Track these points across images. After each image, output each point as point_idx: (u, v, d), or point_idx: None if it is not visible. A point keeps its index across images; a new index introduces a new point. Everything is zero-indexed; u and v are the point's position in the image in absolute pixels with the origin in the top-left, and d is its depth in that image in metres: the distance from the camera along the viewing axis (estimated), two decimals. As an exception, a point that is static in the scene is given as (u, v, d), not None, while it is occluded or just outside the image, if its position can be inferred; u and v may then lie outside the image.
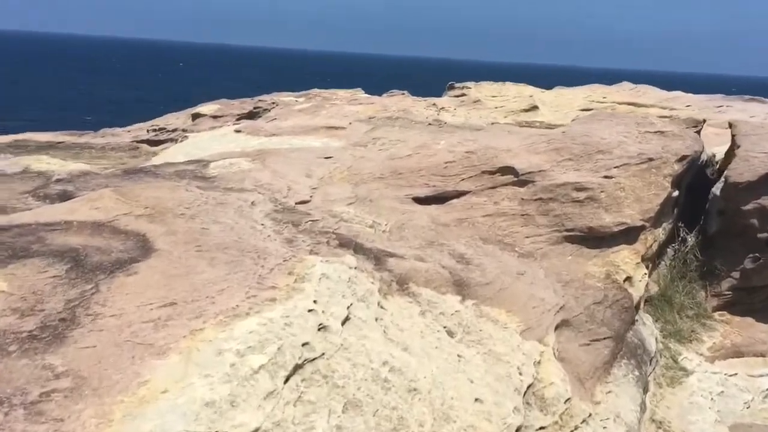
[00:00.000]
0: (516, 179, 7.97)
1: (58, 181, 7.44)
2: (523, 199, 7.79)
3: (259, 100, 14.55)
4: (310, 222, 6.78)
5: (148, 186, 6.82)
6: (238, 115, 13.99)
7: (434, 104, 13.32)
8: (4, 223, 5.66)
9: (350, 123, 10.98)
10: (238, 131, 11.16)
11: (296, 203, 7.57)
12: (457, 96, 15.61)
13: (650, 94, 19.12)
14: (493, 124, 13.50)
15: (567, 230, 7.41)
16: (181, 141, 11.58)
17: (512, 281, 6.15)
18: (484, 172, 8.22)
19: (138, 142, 15.39)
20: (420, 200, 8.12)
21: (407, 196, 8.09)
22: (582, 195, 7.51)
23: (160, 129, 14.83)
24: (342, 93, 17.43)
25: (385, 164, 8.70)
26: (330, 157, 9.15)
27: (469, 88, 17.71)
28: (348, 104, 12.87)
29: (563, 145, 8.19)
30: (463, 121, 13.08)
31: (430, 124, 11.77)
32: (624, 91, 19.89)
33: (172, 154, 10.60)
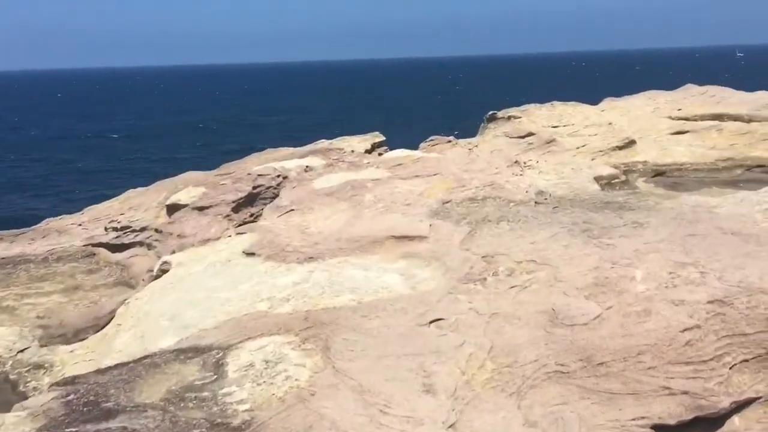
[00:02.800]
0: None
1: None
2: None
3: (259, 175, 10.40)
4: None
5: None
6: (234, 202, 9.83)
7: (515, 162, 9.30)
8: None
9: (429, 224, 6.92)
10: (250, 254, 7.01)
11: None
12: (520, 137, 11.62)
13: (732, 99, 15.38)
14: (602, 181, 9.57)
15: None
16: (162, 271, 7.39)
17: None
18: (773, 352, 4.24)
19: (94, 245, 11.17)
20: (668, 429, 4.13)
21: (640, 424, 4.08)
22: None
23: (123, 228, 10.60)
24: (359, 143, 13.34)
25: (556, 339, 4.67)
26: (438, 321, 5.09)
27: (518, 117, 13.73)
28: (396, 176, 8.78)
29: None
30: (564, 181, 9.12)
31: (536, 202, 7.78)
32: (694, 96, 16.14)
33: (150, 312, 6.39)
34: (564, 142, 11.44)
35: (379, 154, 13.82)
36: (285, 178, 10.65)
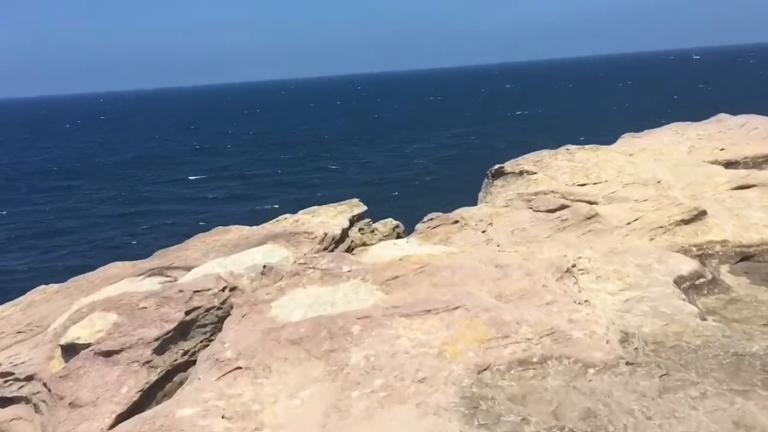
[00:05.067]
0: None
1: None
2: None
3: (195, 292, 7.33)
4: None
5: None
6: (157, 339, 6.76)
7: (567, 271, 6.36)
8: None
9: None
10: None
11: None
12: (549, 210, 8.72)
13: (784, 132, 12.72)
14: (684, 283, 6.67)
15: None
16: None
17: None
18: None
19: (-34, 390, 7.98)
20: None
21: None
22: None
23: (4, 375, 7.43)
24: (333, 216, 10.35)
25: None
26: None
27: (533, 173, 10.89)
28: (395, 309, 5.77)
29: None
30: (640, 296, 6.21)
31: (628, 363, 4.84)
32: (732, 130, 13.47)
33: None
34: (607, 214, 8.56)
35: (360, 230, 10.82)
36: (233, 290, 7.59)
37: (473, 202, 12.39)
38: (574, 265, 6.70)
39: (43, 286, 10.67)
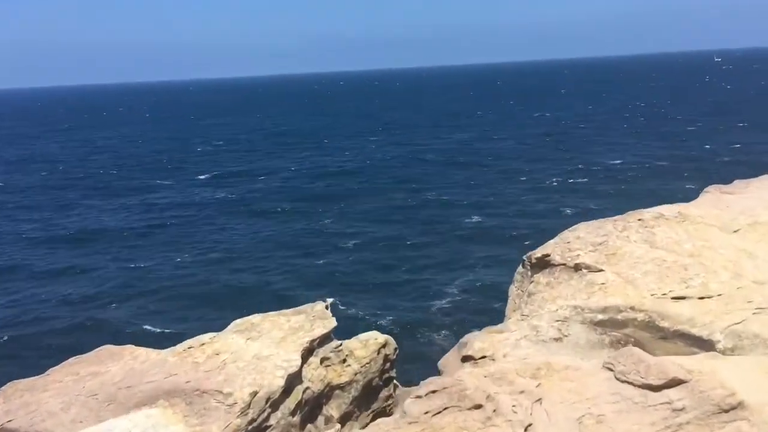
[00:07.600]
0: None
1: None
2: None
3: None
4: None
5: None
6: None
7: None
8: None
9: None
10: None
11: None
12: (650, 387, 4.80)
13: None
14: None
15: None
16: None
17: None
18: None
19: None
20: None
21: None
22: None
23: None
24: (278, 344, 6.47)
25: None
26: None
27: (597, 269, 6.99)
28: None
29: None
30: None
31: None
32: None
33: None
34: (757, 403, 4.65)
35: (324, 361, 6.96)
36: None
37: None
38: None
39: None
